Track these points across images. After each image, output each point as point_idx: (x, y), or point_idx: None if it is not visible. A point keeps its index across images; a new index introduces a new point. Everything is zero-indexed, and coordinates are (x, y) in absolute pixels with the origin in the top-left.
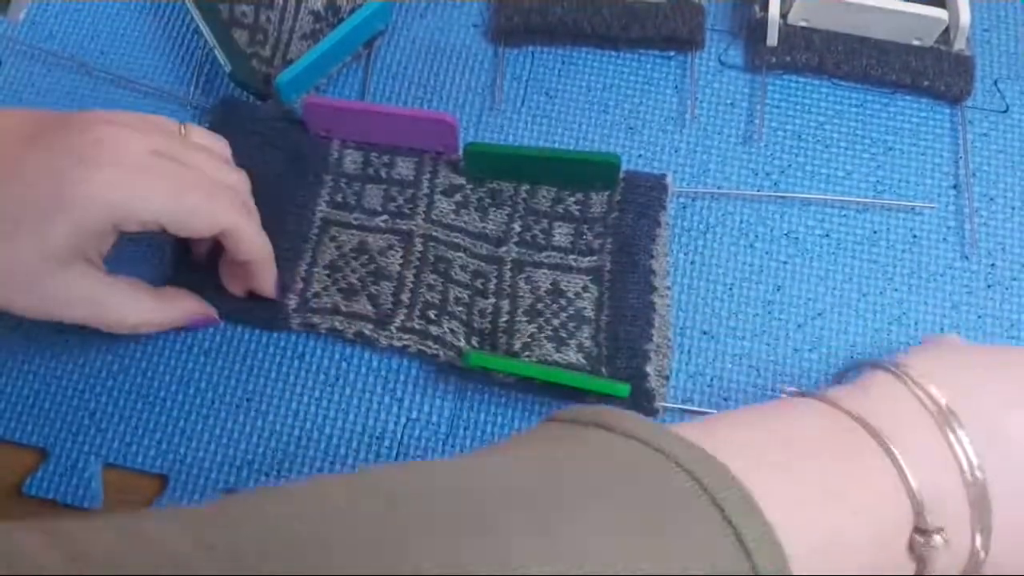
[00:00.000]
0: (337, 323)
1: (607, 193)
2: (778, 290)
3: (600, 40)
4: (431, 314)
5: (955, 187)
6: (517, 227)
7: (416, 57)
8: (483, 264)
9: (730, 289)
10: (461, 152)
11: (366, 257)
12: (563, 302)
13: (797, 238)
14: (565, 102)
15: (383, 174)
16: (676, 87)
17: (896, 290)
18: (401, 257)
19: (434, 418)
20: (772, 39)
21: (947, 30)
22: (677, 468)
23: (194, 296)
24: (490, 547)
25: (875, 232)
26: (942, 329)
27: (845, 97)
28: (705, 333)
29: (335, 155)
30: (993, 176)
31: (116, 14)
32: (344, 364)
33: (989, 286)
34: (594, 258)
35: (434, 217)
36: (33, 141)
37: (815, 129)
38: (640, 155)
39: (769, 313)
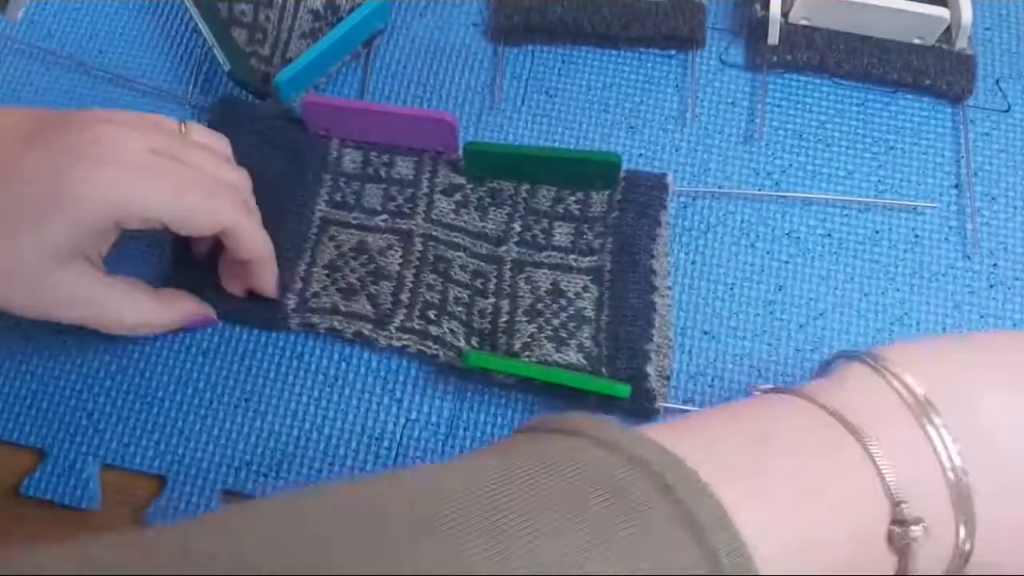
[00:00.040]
0: (336, 323)
1: (607, 192)
2: (779, 290)
3: (600, 39)
4: (431, 314)
5: (957, 186)
6: (517, 227)
7: (415, 56)
8: (483, 264)
9: (731, 289)
10: (461, 151)
11: (365, 257)
12: (563, 302)
13: (798, 238)
14: (565, 101)
15: (382, 173)
16: (677, 86)
17: (898, 290)
18: (401, 257)
19: (434, 418)
20: (773, 38)
21: (949, 29)
22: (647, 474)
23: (193, 297)
24: (442, 550)
25: (877, 232)
26: (944, 329)
27: (846, 96)
28: (706, 333)
29: (334, 154)
30: (995, 175)
31: (114, 13)
32: (343, 364)
33: (991, 286)
34: (594, 258)
35: (434, 217)
36: (31, 140)
37: (816, 128)
38: (641, 154)
39: (770, 313)
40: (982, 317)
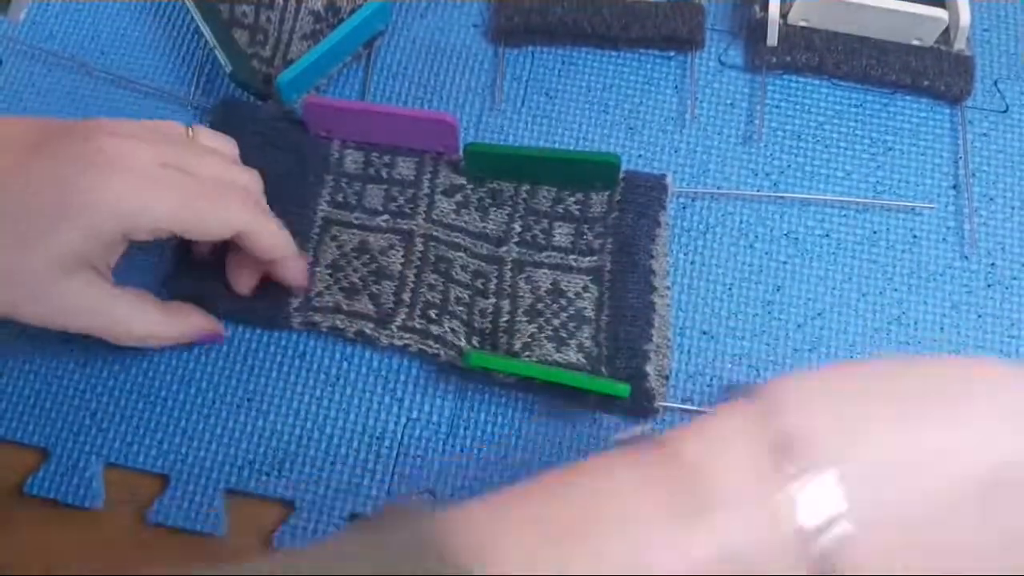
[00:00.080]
0: (338, 322)
1: (607, 193)
2: (778, 290)
3: (600, 40)
4: (432, 313)
5: (955, 187)
6: (517, 227)
7: (416, 57)
8: (484, 264)
9: (730, 289)
10: (461, 152)
11: (367, 257)
12: (563, 302)
13: (797, 238)
14: (565, 102)
15: (384, 174)
16: (676, 87)
17: (896, 290)
18: (402, 257)
19: (434, 418)
20: (772, 39)
21: (947, 30)
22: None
23: (201, 311)
24: None
25: (875, 232)
26: (942, 329)
27: (845, 97)
28: (705, 333)
29: (336, 155)
30: (993, 176)
31: (116, 14)
32: (345, 364)
33: (989, 286)
34: (594, 258)
35: (435, 217)
36: (38, 149)
37: (815, 129)
38: (640, 155)
39: (769, 313)
40: (980, 317)
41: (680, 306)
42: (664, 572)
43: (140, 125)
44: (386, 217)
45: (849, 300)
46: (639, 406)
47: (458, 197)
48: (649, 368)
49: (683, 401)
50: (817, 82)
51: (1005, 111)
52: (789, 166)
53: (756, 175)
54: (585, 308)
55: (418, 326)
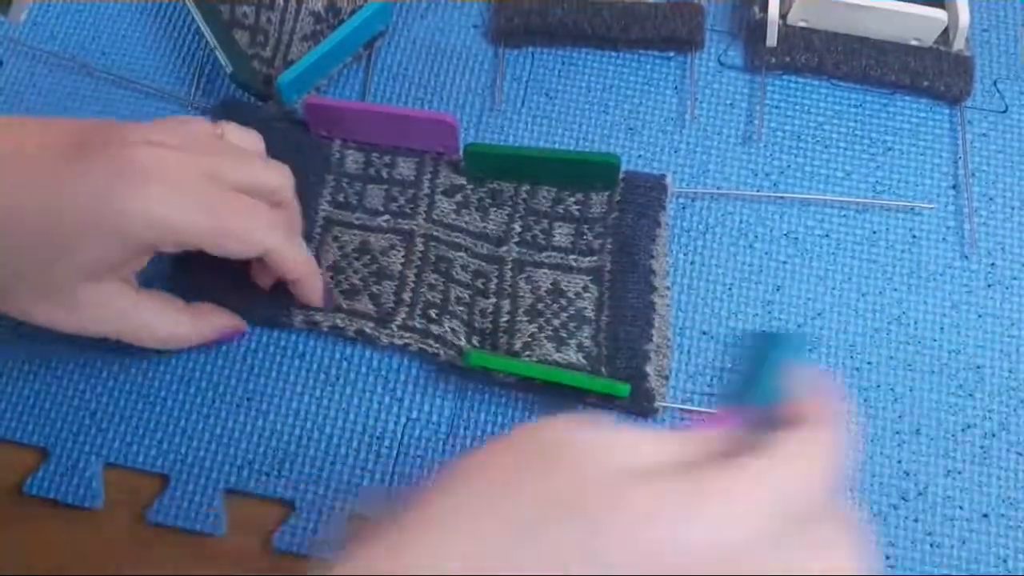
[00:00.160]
0: (339, 321)
1: (607, 193)
2: (777, 290)
3: (600, 41)
4: (432, 313)
5: (954, 187)
6: (517, 227)
7: (416, 58)
8: (484, 264)
9: (729, 289)
10: (461, 152)
11: (368, 257)
12: (563, 302)
13: (796, 238)
14: (565, 103)
15: (384, 174)
16: (676, 88)
17: (895, 290)
18: (403, 257)
19: (434, 418)
20: (771, 40)
21: (946, 30)
22: None
23: (221, 310)
24: None
25: (874, 232)
26: (942, 329)
27: (844, 97)
28: (705, 333)
29: (336, 155)
30: (992, 176)
31: (117, 15)
32: (345, 363)
33: (989, 285)
34: (594, 258)
35: (435, 217)
36: (71, 157)
37: (814, 129)
38: (640, 155)
39: (769, 313)
40: (980, 317)
41: (680, 306)
42: None
43: (172, 128)
44: (387, 217)
45: (849, 300)
46: (639, 406)
47: (458, 197)
48: (649, 368)
49: (683, 401)
50: (817, 82)
51: (1004, 111)
52: (789, 166)
53: (756, 175)
54: (585, 308)
55: (418, 326)
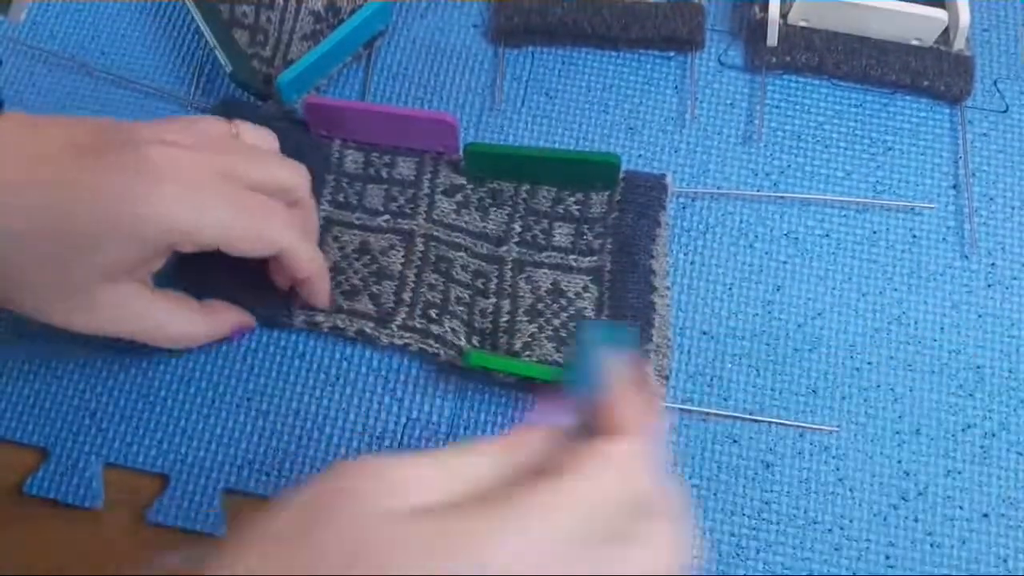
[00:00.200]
0: (339, 321)
1: (607, 193)
2: (778, 290)
3: (600, 40)
4: (432, 313)
5: (955, 187)
6: (517, 227)
7: (416, 57)
8: (484, 264)
9: (730, 289)
10: (461, 152)
11: (368, 257)
12: (563, 302)
13: (797, 238)
14: (565, 102)
15: (384, 174)
16: (676, 87)
17: (896, 290)
18: (403, 257)
19: (434, 418)
20: (772, 39)
21: (947, 30)
22: None
23: (231, 306)
24: None
25: (875, 232)
26: (942, 329)
27: (845, 97)
28: (705, 333)
29: (336, 155)
30: (993, 176)
31: (117, 14)
32: (345, 363)
33: (989, 285)
34: (594, 258)
35: (435, 217)
36: (87, 158)
37: (815, 129)
38: (640, 155)
39: (769, 313)
40: (980, 317)
41: (680, 306)
42: None
43: (186, 128)
44: (387, 217)
45: (849, 300)
46: None
47: (458, 197)
48: (649, 368)
49: (683, 401)
50: (817, 82)
51: (1005, 111)
52: (789, 166)
53: (756, 175)
54: (585, 308)
55: (418, 325)
